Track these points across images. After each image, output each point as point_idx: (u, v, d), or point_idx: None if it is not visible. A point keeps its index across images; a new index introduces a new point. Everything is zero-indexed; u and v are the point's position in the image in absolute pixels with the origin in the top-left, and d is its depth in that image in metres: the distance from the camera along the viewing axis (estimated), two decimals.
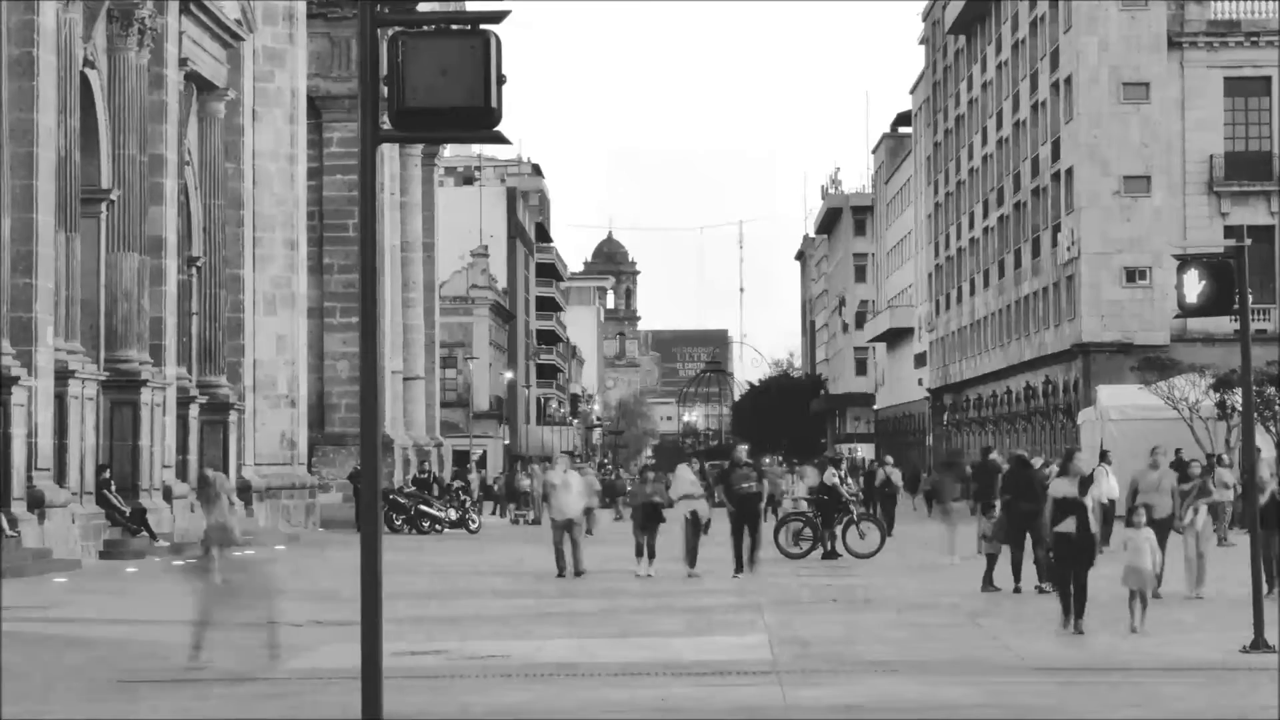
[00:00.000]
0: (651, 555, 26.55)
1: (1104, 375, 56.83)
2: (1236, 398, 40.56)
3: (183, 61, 35.44)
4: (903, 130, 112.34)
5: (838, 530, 30.32)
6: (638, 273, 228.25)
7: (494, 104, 8.13)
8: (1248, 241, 16.21)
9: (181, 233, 36.12)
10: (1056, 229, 64.57)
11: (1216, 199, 59.62)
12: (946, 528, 30.46)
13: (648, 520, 26.80)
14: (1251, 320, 16.71)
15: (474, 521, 44.17)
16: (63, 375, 29.00)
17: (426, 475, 49.13)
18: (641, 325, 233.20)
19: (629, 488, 55.49)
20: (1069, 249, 61.79)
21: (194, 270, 37.39)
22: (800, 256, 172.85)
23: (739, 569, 26.21)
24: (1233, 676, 13.99)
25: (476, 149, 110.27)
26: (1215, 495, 26.93)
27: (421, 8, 49.96)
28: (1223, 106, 59.97)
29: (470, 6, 49.57)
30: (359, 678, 8.22)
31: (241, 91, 39.66)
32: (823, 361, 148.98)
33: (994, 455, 31.93)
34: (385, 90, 8.25)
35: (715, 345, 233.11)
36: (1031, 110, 68.92)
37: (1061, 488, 17.67)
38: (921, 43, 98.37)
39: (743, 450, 28.52)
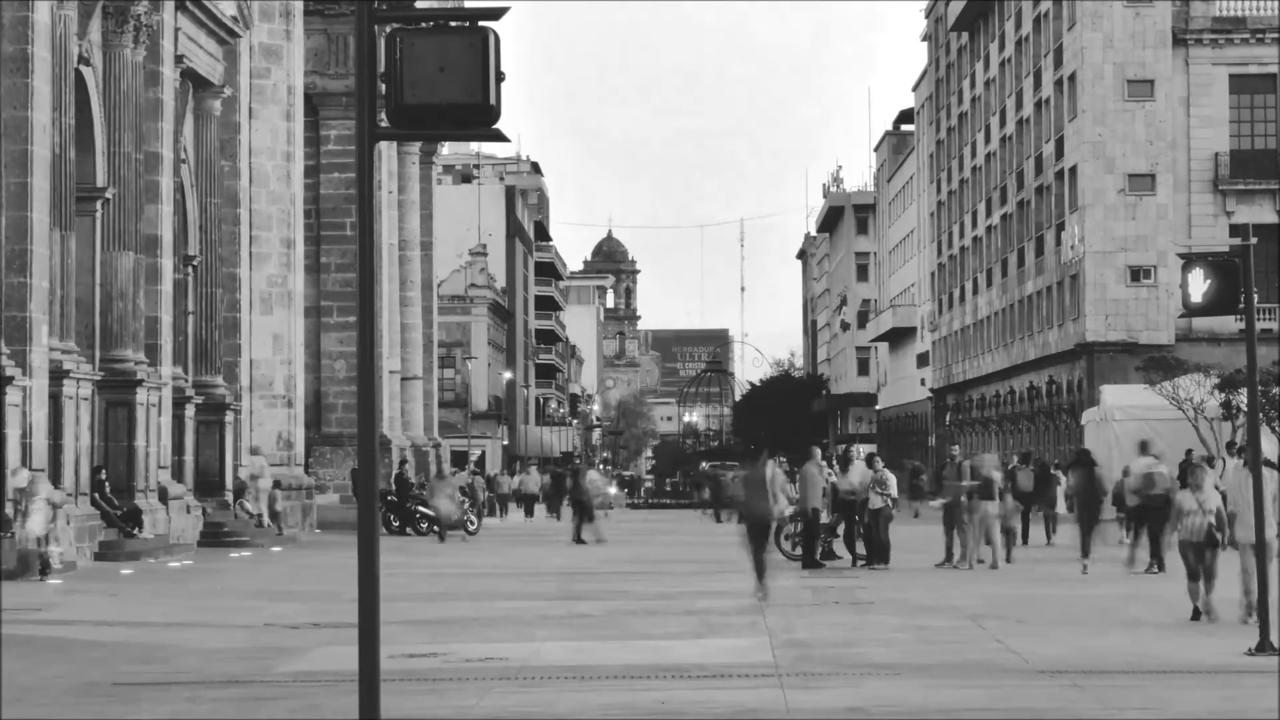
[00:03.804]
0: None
1: (1108, 375, 56.75)
2: (1242, 398, 40.44)
3: (179, 58, 35.32)
4: (905, 128, 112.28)
5: (839, 531, 30.22)
6: (638, 272, 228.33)
7: (492, 101, 8.06)
8: (1253, 240, 16.09)
9: (177, 231, 36.01)
10: (1060, 227, 64.48)
11: (1222, 197, 59.52)
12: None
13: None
14: (1257, 319, 16.55)
15: (472, 523, 43.99)
16: (57, 375, 28.86)
17: (402, 473, 46.59)
18: (641, 325, 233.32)
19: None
20: (1073, 248, 61.69)
21: (190, 269, 37.27)
22: (802, 255, 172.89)
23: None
24: (1238, 679, 13.89)
25: (475, 147, 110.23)
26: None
27: (419, 4, 49.84)
28: (1228, 104, 59.87)
29: (469, 3, 49.44)
30: (356, 680, 8.12)
31: (238, 89, 39.55)
32: (824, 361, 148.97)
33: None
34: (383, 87, 8.18)
35: (716, 345, 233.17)
36: (1035, 108, 68.82)
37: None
38: (924, 40, 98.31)
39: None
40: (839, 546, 30.13)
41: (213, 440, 37.39)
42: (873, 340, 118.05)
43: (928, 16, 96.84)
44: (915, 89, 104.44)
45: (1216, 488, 30.29)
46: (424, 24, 8.15)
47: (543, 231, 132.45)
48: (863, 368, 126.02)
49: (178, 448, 35.39)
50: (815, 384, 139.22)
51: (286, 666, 15.03)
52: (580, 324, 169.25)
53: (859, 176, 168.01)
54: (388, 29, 8.24)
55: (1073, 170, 62.30)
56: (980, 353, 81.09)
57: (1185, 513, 18.28)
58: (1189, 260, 15.65)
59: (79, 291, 30.78)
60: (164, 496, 33.54)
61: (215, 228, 38.24)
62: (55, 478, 29.00)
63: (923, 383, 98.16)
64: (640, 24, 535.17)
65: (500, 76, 8.07)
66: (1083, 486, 28.24)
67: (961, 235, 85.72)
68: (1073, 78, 62.17)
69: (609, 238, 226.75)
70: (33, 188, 28.02)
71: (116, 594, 23.55)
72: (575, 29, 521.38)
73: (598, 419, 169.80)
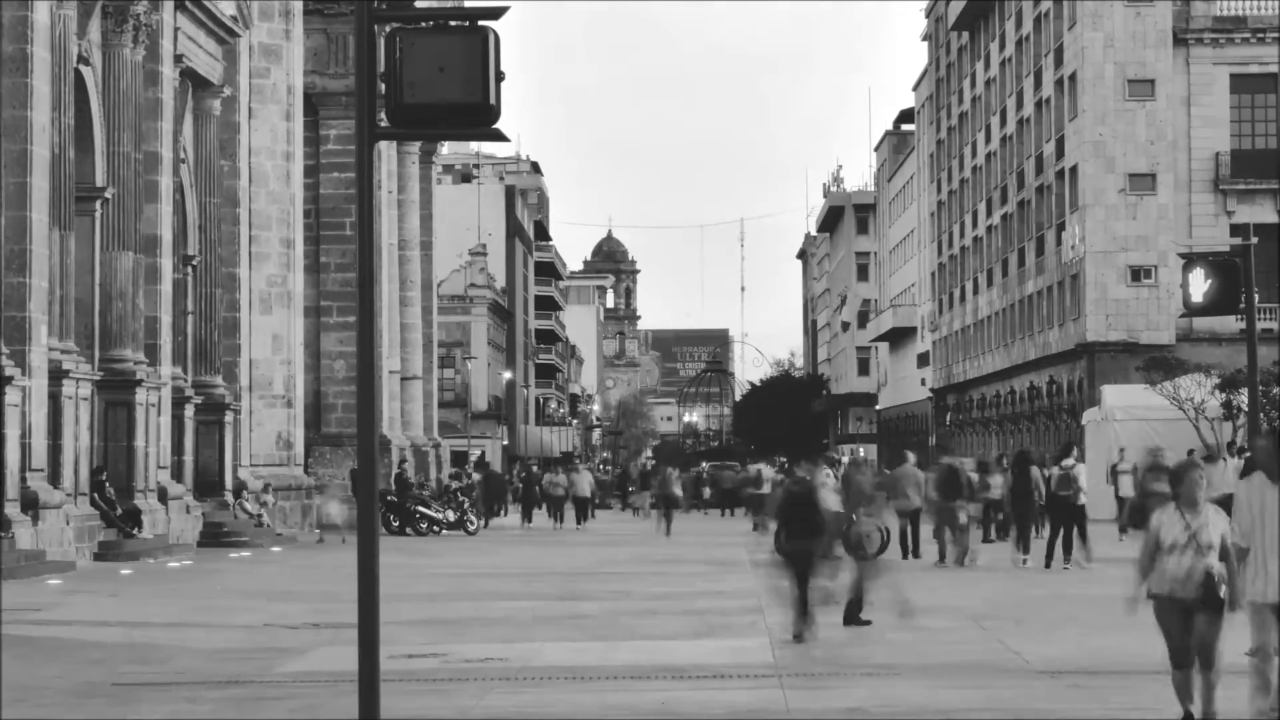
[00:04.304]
0: None
1: (1109, 375, 56.71)
2: (1242, 398, 40.39)
3: (178, 58, 35.29)
4: (905, 127, 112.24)
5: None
6: (638, 271, 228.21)
7: (492, 101, 8.05)
8: (1254, 240, 16.10)
9: (177, 231, 35.98)
10: (1061, 227, 64.47)
11: (1223, 197, 59.49)
12: None
13: None
14: (1257, 319, 16.53)
15: (472, 523, 43.97)
16: (57, 375, 28.83)
17: (402, 473, 46.01)
18: (641, 324, 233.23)
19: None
20: (1073, 247, 61.67)
21: (189, 269, 37.25)
22: (802, 255, 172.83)
23: None
24: (1238, 680, 13.81)
25: (475, 146, 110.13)
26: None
27: (419, 4, 49.76)
28: (1229, 104, 59.84)
29: (468, 3, 49.26)
30: (356, 680, 8.10)
31: (237, 88, 39.51)
32: (824, 361, 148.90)
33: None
34: (382, 87, 8.16)
35: (716, 344, 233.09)
36: (1035, 107, 68.79)
37: None
38: (925, 39, 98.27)
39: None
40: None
41: (212, 440, 37.36)
42: (873, 340, 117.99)
43: (928, 16, 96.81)
44: (915, 88, 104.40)
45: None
46: (424, 24, 8.15)
47: (543, 231, 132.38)
48: (863, 368, 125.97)
49: (177, 448, 35.36)
50: (815, 384, 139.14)
51: (286, 667, 15.00)
52: (580, 324, 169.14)
53: (859, 176, 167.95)
54: (387, 28, 8.23)
55: (1073, 170, 62.27)
56: (980, 353, 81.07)
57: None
58: (1190, 260, 15.65)
59: (78, 291, 30.75)
60: (163, 497, 33.52)
61: (215, 227, 38.20)
62: (55, 478, 28.98)
63: (923, 383, 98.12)
64: (640, 23, 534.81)
65: (500, 76, 8.07)
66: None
67: (962, 235, 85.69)
68: (1073, 77, 62.15)
69: (609, 238, 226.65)
70: (32, 187, 27.99)
71: (116, 594, 23.51)
72: (575, 29, 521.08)
73: (598, 419, 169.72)
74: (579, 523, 48.47)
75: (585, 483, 50.28)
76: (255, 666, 14.99)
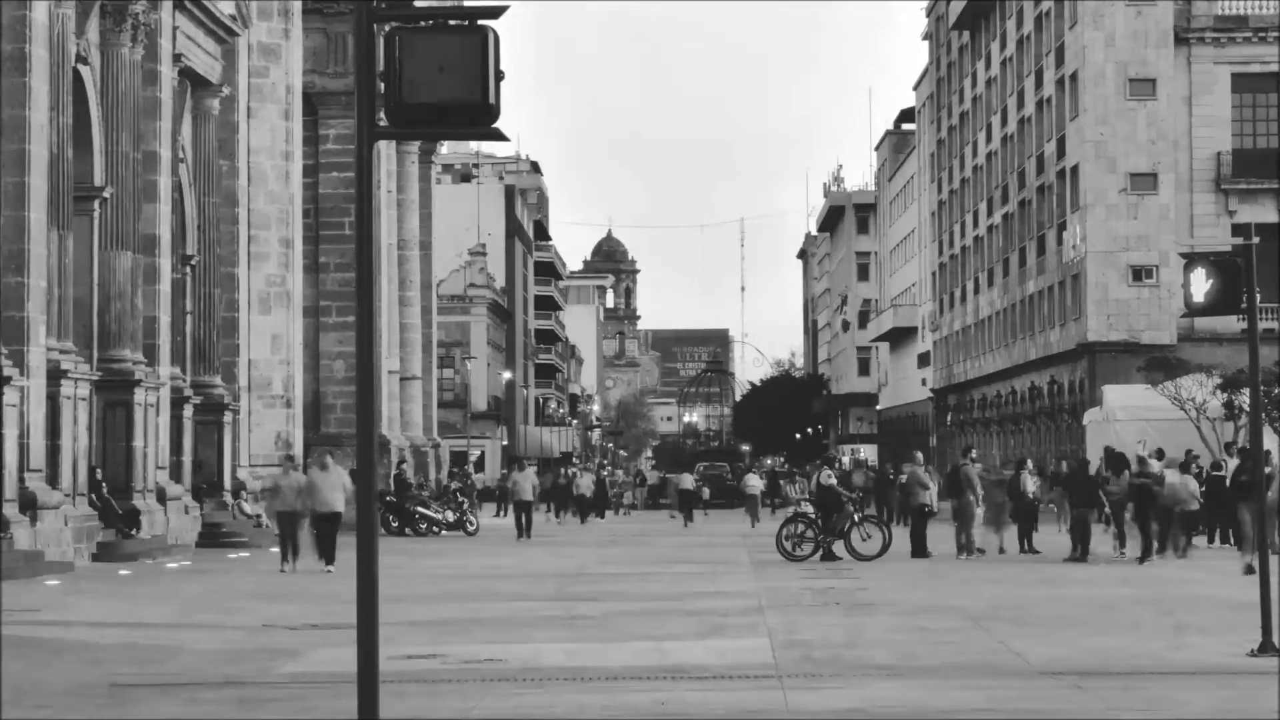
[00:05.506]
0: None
1: (1110, 375, 56.70)
2: (1244, 398, 40.36)
3: (177, 57, 35.27)
4: (906, 127, 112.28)
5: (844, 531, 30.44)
6: (637, 271, 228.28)
7: (492, 100, 8.02)
8: (1255, 239, 16.02)
9: (175, 231, 35.95)
10: (1062, 227, 64.47)
11: (1224, 196, 59.48)
12: None
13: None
14: (1259, 319, 16.46)
15: (471, 523, 43.95)
16: (55, 375, 28.81)
17: (401, 474, 44.64)
18: (641, 324, 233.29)
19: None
20: (1074, 247, 61.65)
21: (188, 269, 37.22)
22: (802, 255, 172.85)
23: None
24: (1240, 680, 13.81)
25: (474, 146, 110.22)
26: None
27: (418, 3, 49.65)
28: (1230, 103, 59.83)
29: (468, 2, 49.16)
30: (355, 681, 8.07)
31: (236, 88, 39.50)
32: (825, 361, 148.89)
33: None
34: (382, 86, 8.13)
35: (716, 344, 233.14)
36: (1036, 107, 68.79)
37: None
38: (925, 38, 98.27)
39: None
40: (838, 548, 30.18)
41: (211, 441, 37.34)
42: (873, 340, 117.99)
43: (929, 15, 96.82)
44: (916, 88, 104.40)
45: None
46: (423, 23, 8.11)
47: (542, 231, 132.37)
48: (863, 368, 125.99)
49: (176, 448, 35.33)
50: (816, 384, 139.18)
51: (285, 667, 14.97)
52: (580, 324, 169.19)
53: (860, 176, 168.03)
54: (387, 28, 8.20)
55: (1074, 169, 62.26)
56: (981, 353, 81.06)
57: None
58: (1191, 260, 15.58)
59: (77, 291, 30.72)
60: (162, 497, 33.48)
61: (213, 227, 38.18)
62: (53, 478, 28.94)
63: (924, 383, 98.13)
64: (640, 23, 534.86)
65: (499, 75, 8.04)
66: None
67: (963, 235, 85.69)
68: (1074, 77, 62.14)
69: (609, 237, 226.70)
70: (30, 187, 27.96)
71: (114, 595, 23.49)
72: (575, 28, 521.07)
73: (598, 419, 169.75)
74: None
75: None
76: (254, 667, 14.96)
